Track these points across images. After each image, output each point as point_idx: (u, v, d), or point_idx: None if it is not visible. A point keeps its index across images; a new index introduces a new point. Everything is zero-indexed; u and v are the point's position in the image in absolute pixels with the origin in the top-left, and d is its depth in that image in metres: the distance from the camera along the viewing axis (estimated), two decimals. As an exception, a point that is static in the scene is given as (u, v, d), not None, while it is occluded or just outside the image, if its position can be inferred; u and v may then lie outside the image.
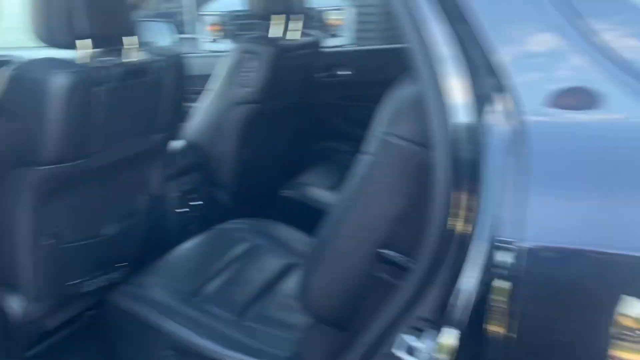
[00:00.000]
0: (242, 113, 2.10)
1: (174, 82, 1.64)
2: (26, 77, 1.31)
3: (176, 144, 1.97)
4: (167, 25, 3.31)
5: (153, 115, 1.62)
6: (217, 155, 2.17)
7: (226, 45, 6.73)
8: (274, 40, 2.08)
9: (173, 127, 1.75)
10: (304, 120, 2.62)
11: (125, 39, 1.52)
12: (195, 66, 2.79)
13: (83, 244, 1.58)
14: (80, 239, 1.58)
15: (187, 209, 2.07)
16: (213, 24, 6.91)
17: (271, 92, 2.12)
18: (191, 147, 2.14)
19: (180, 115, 1.76)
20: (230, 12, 6.74)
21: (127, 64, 1.51)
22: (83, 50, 1.41)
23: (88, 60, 1.41)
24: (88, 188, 1.56)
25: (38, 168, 1.36)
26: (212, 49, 6.43)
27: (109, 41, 1.53)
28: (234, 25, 6.79)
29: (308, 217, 2.20)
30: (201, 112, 2.15)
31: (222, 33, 6.94)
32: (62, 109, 1.31)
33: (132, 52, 1.61)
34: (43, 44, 1.39)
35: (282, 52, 2.08)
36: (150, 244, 1.85)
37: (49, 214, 1.46)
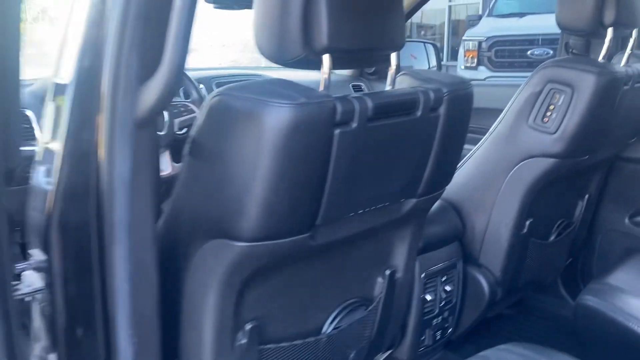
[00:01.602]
0: (533, 169, 1.41)
1: (455, 123, 1.04)
2: (231, 107, 0.84)
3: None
4: (432, 47, 2.75)
5: (420, 171, 1.05)
6: (483, 223, 1.51)
7: (482, 73, 6.04)
8: (605, 65, 1.34)
9: (442, 187, 1.16)
10: (610, 181, 1.81)
11: (393, 57, 0.98)
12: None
13: (293, 344, 1.07)
14: (288, 337, 1.07)
15: (436, 296, 1.45)
16: (469, 50, 6.27)
17: (585, 142, 1.39)
18: (448, 211, 1.52)
19: (454, 169, 1.16)
20: (490, 37, 6.03)
21: (391, 94, 0.96)
22: (326, 70, 0.90)
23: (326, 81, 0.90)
24: (304, 268, 1.05)
25: (238, 244, 0.88)
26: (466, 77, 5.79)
27: (366, 58, 1.00)
28: (492, 52, 6.06)
29: (622, 345, 1.42)
30: (470, 163, 1.51)
31: (476, 60, 6.26)
32: (282, 157, 0.81)
33: (399, 77, 1.07)
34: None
35: (616, 85, 1.34)
36: (380, 342, 1.28)
37: (247, 303, 0.98)
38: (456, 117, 1.05)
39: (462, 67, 6.32)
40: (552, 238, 1.65)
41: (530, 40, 5.80)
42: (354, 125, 0.88)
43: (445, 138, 1.05)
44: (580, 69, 1.31)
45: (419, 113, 0.98)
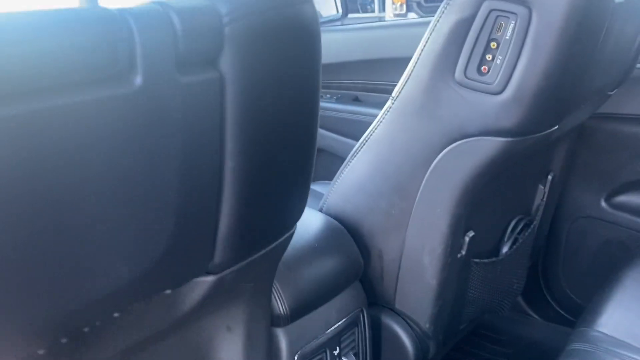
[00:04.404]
0: (469, 158, 0.80)
1: (268, 93, 0.41)
2: None
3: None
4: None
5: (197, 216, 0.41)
6: (396, 250, 0.90)
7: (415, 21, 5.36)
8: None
9: (283, 233, 0.53)
10: (580, 151, 1.23)
11: None
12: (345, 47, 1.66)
13: None
14: None
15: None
16: (397, -4, 5.58)
17: (554, 104, 0.78)
18: (338, 235, 0.89)
19: (300, 192, 0.53)
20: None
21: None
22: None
23: None
24: None
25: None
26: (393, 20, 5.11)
27: None
28: (422, -4, 5.39)
29: None
30: (365, 155, 0.88)
31: (405, 6, 5.59)
32: None
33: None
34: None
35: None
36: None
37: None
38: (269, 77, 0.41)
39: (391, 15, 5.67)
40: (504, 250, 1.06)
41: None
42: None
43: (253, 131, 0.41)
44: (543, -31, 0.68)
45: (138, 79, 0.34)
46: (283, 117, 0.44)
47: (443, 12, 0.75)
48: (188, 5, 0.36)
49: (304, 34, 0.43)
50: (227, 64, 0.38)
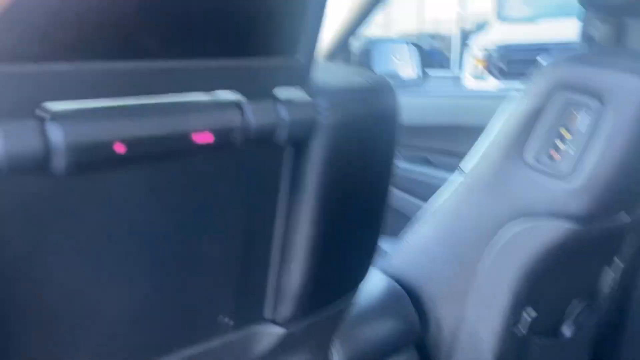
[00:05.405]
0: (535, 235, 0.81)
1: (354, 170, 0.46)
2: None
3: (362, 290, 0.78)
4: (415, 47, 2.16)
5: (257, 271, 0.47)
6: (454, 319, 0.92)
7: (491, 83, 5.37)
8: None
9: (341, 294, 0.58)
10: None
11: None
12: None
13: None
14: None
15: None
16: (477, 59, 5.61)
17: (624, 194, 0.79)
18: (398, 298, 0.92)
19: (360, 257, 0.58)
20: (499, 44, 5.37)
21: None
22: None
23: None
24: None
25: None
26: (472, 90, 5.11)
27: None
28: (501, 60, 5.40)
29: None
30: (432, 222, 0.91)
31: (487, 71, 5.60)
32: None
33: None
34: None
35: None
36: None
37: None
38: (352, 156, 0.47)
39: (469, 76, 5.69)
40: (567, 333, 1.04)
41: (544, 48, 5.15)
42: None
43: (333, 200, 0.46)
44: (618, 68, 0.71)
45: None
46: (360, 191, 0.50)
47: (517, 99, 0.79)
48: (293, 99, 0.42)
49: (387, 121, 0.49)
50: (317, 146, 0.44)
